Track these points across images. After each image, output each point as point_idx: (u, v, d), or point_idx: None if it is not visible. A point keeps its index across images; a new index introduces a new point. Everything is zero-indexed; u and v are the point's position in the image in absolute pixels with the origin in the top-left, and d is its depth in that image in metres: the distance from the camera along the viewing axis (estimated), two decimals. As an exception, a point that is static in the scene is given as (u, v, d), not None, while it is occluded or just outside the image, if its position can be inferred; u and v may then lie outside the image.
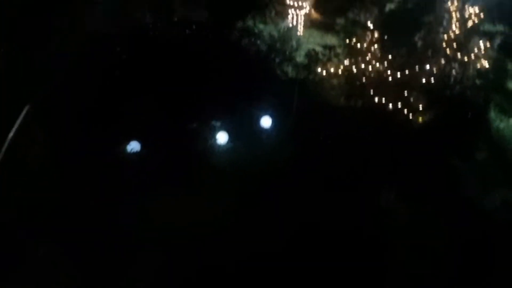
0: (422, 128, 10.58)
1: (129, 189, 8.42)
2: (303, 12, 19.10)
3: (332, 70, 11.57)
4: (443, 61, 12.57)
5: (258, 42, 13.60)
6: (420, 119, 10.57)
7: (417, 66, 11.12)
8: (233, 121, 9.89)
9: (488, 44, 13.03)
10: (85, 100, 9.00)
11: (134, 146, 8.83)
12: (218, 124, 9.76)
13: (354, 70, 10.90)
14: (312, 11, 20.89)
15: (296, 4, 18.88)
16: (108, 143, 8.63)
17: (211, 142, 9.52)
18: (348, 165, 9.38)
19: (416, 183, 9.45)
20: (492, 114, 12.43)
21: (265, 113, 10.23)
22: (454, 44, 13.10)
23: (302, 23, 18.83)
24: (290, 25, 17.90)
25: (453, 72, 12.51)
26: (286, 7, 19.06)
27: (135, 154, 8.83)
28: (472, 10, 13.35)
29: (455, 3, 13.43)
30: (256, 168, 9.50)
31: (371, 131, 9.77)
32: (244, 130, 9.91)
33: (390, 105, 10.51)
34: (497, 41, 13.09)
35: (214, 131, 9.72)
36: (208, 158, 9.42)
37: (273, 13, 16.73)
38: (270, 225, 8.85)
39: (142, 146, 8.98)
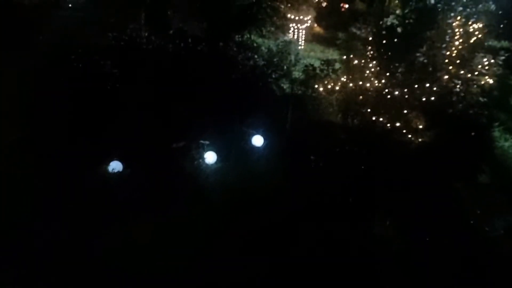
0: (422, 149, 9.83)
1: (109, 213, 7.76)
2: (304, 26, 18.61)
3: (329, 86, 10.87)
4: (445, 78, 11.82)
5: (256, 56, 12.97)
6: (420, 139, 9.81)
7: (417, 83, 10.34)
8: (223, 139, 9.22)
9: (492, 60, 12.22)
10: (64, 115, 8.39)
11: (115, 166, 8.20)
12: (206, 142, 9.08)
13: (352, 86, 10.19)
14: (315, 25, 20.42)
15: (297, 18, 18.39)
16: (87, 163, 7.98)
17: (199, 162, 8.86)
18: (342, 188, 8.63)
19: (414, 207, 8.68)
20: (497, 133, 11.69)
21: (257, 131, 9.54)
22: (457, 60, 12.33)
23: (304, 37, 18.37)
24: (291, 39, 17.45)
25: (456, 89, 11.80)
26: (288, 21, 18.60)
27: (116, 174, 8.17)
28: (476, 26, 12.58)
29: (458, 19, 12.67)
30: (246, 190, 8.81)
31: (367, 151, 9.03)
32: (234, 149, 9.23)
33: (388, 124, 9.79)
34: (502, 57, 12.28)
35: (202, 150, 9.04)
36: (195, 178, 8.74)
37: (273, 27, 16.23)
38: (258, 250, 8.14)
39: (124, 166, 8.33)
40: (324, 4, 22.92)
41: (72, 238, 7.60)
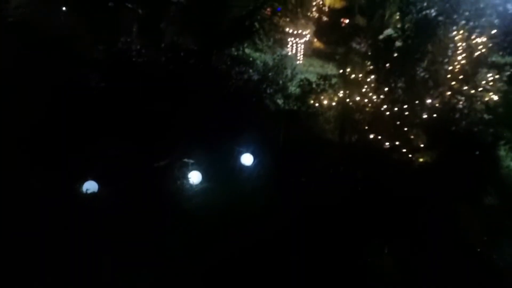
0: (423, 169, 8.96)
1: (83, 238, 6.94)
2: (303, 40, 17.90)
3: (326, 102, 10.07)
4: (447, 94, 11.02)
5: (250, 71, 12.23)
6: (421, 159, 8.95)
7: (418, 99, 9.51)
8: (209, 158, 8.40)
9: (496, 76, 11.41)
10: (38, 130, 7.62)
11: (89, 186, 7.39)
12: (191, 161, 8.27)
13: (349, 102, 9.38)
14: (315, 40, 19.71)
15: (296, 33, 17.69)
16: (59, 183, 7.18)
17: (182, 182, 8.05)
18: (336, 211, 7.77)
19: (414, 234, 7.80)
20: (502, 152, 10.80)
21: (247, 149, 8.71)
22: (460, 76, 11.53)
23: (303, 52, 17.65)
24: (289, 53, 16.74)
25: (459, 105, 10.99)
26: (286, 35, 17.89)
27: (92, 195, 7.37)
28: (479, 40, 11.79)
29: (461, 33, 11.88)
30: (233, 212, 7.98)
31: (364, 171, 8.17)
32: (221, 168, 8.41)
33: (387, 143, 8.94)
34: (506, 73, 11.46)
35: (186, 169, 8.23)
36: (178, 200, 7.92)
37: (270, 41, 15.56)
38: (244, 275, 7.30)
39: (101, 186, 7.52)
40: (324, 19, 22.31)
41: (40, 268, 6.76)
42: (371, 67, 9.93)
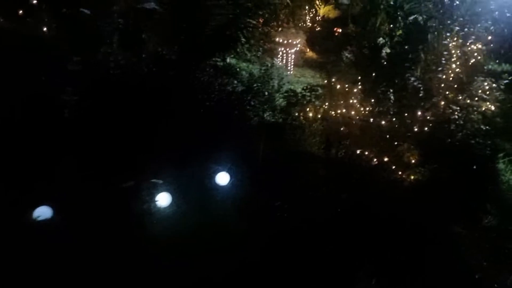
0: (415, 188, 7.90)
1: (34, 271, 5.93)
2: (294, 50, 17.00)
3: (311, 114, 9.07)
4: (441, 104, 10.06)
5: (235, 82, 11.30)
6: (413, 176, 7.91)
7: (409, 111, 8.51)
8: (181, 177, 7.40)
9: (493, 85, 10.43)
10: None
11: (41, 212, 6.39)
12: (160, 182, 7.27)
13: (335, 114, 8.38)
14: (307, 49, 18.82)
15: (287, 42, 16.79)
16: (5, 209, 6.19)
17: (149, 205, 7.04)
18: (318, 237, 6.74)
19: (406, 260, 6.74)
20: (501, 165, 9.79)
21: (223, 167, 7.70)
22: (455, 85, 10.58)
23: (293, 62, 16.75)
24: (279, 63, 15.90)
25: (454, 116, 10.00)
26: (276, 44, 17.00)
27: (44, 223, 6.36)
28: (475, 47, 10.85)
29: (456, 39, 10.95)
30: (204, 239, 6.97)
31: (350, 191, 7.15)
32: (193, 189, 7.40)
33: (375, 159, 7.92)
34: (504, 81, 10.50)
35: (154, 190, 7.23)
36: (144, 225, 6.91)
37: (259, 51, 14.66)
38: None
39: (55, 213, 6.53)
40: (317, 28, 21.50)
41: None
42: (357, 76, 8.92)
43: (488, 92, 10.72)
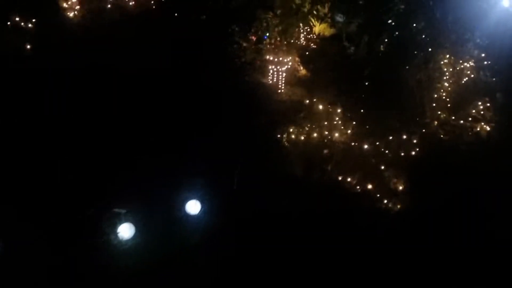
0: (401, 219, 7.07)
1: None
2: (285, 68, 16.31)
3: (293, 136, 8.34)
4: (432, 126, 9.29)
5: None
6: (399, 205, 7.11)
7: (396, 133, 7.74)
8: (146, 206, 6.68)
9: (487, 104, 9.62)
10: None
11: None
12: (122, 211, 6.58)
13: (316, 136, 7.64)
14: (301, 67, 18.10)
15: (277, 60, 16.11)
16: None
17: (109, 237, 6.33)
18: (296, 276, 5.96)
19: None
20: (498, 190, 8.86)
21: (194, 195, 7.00)
22: (447, 104, 9.81)
23: (284, 80, 16.04)
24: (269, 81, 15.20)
25: (446, 137, 9.23)
26: (267, 62, 16.32)
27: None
28: (468, 65, 10.11)
29: (447, 57, 10.23)
30: (171, 275, 6.22)
31: (330, 223, 6.37)
32: (160, 219, 6.69)
33: (358, 186, 7.14)
34: (499, 100, 9.72)
35: (116, 221, 6.51)
36: (104, 260, 6.17)
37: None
38: None
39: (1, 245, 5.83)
40: (312, 46, 20.80)
41: None
42: (339, 95, 8.20)
43: (482, 112, 9.90)
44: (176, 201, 7.21)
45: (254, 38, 15.37)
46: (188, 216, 7.18)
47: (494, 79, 10.27)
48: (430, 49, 10.35)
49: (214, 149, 8.18)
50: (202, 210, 7.20)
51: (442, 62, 10.21)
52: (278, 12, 15.83)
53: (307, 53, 16.90)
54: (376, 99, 8.50)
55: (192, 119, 8.81)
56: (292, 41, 18.37)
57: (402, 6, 10.48)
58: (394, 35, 9.24)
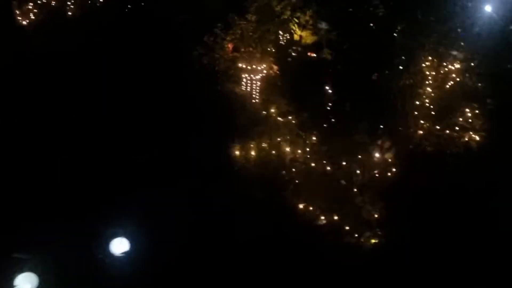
0: (376, 257, 5.48)
1: None
2: (259, 76, 14.86)
3: (252, 152, 6.80)
4: (416, 136, 7.83)
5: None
6: (373, 240, 5.54)
7: (369, 150, 6.20)
8: (58, 248, 5.11)
9: (476, 111, 8.39)
10: None
11: None
12: (24, 257, 4.99)
13: (274, 155, 6.10)
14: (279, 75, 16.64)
15: (251, 68, 14.66)
16: None
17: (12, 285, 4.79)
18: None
19: None
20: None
21: (120, 232, 5.42)
22: (431, 112, 8.53)
23: (259, 90, 14.60)
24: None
25: (430, 150, 7.78)
26: (239, 71, 14.88)
27: None
28: (453, 67, 8.67)
29: (430, 59, 8.81)
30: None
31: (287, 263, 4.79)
32: (76, 263, 5.11)
33: (323, 217, 5.57)
34: (488, 106, 8.22)
35: (16, 270, 4.93)
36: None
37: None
38: None
39: None
40: (292, 54, 19.43)
41: None
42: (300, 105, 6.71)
43: (470, 120, 8.43)
44: (98, 240, 5.63)
45: (230, 46, 14.09)
46: (112, 257, 5.60)
47: (482, 83, 8.81)
48: (410, 51, 8.94)
49: (148, 173, 6.64)
50: (130, 250, 5.64)
51: (424, 65, 8.74)
52: (253, 18, 14.49)
53: (284, 61, 15.56)
54: (348, 108, 7.02)
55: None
56: (269, 48, 16.93)
57: (382, 10, 9.46)
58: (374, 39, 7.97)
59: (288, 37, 18.68)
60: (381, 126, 6.82)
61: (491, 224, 7.13)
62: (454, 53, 8.99)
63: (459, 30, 9.22)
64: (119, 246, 5.72)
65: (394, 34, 9.34)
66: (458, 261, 5.62)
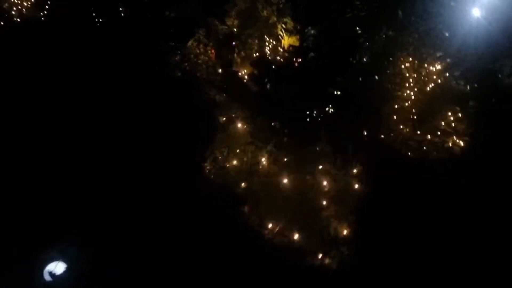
0: (342, 280, 4.73)
1: None
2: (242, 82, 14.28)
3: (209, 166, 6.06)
4: (395, 142, 7.18)
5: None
6: (340, 261, 4.78)
7: (336, 159, 5.47)
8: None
9: (459, 114, 7.73)
10: None
11: None
12: None
13: (229, 167, 5.37)
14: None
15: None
16: None
17: None
18: None
19: None
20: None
21: (58, 255, 4.69)
22: (411, 116, 7.76)
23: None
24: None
25: (410, 157, 7.10)
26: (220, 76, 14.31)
27: None
28: (434, 68, 8.00)
29: (410, 60, 8.17)
30: None
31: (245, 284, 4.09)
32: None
33: (286, 233, 4.83)
34: (471, 109, 7.52)
35: None
36: None
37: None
38: None
39: None
40: (278, 59, 18.82)
41: None
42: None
43: (453, 124, 7.73)
44: (35, 263, 4.92)
45: (212, 51, 13.53)
46: (47, 283, 4.89)
47: (466, 85, 8.13)
48: (388, 51, 8.33)
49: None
50: (68, 273, 4.92)
51: (403, 66, 8.06)
52: (235, 23, 13.90)
53: (265, 66, 14.95)
54: (318, 113, 6.32)
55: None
56: (253, 54, 16.32)
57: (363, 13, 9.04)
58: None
59: (274, 42, 18.02)
60: (353, 133, 6.05)
61: (478, 238, 6.45)
62: (436, 53, 8.38)
63: (441, 28, 8.62)
64: (56, 269, 5.01)
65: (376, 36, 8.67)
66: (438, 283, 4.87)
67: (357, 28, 9.36)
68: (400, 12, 8.91)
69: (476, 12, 8.43)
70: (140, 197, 5.43)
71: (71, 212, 5.12)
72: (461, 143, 7.88)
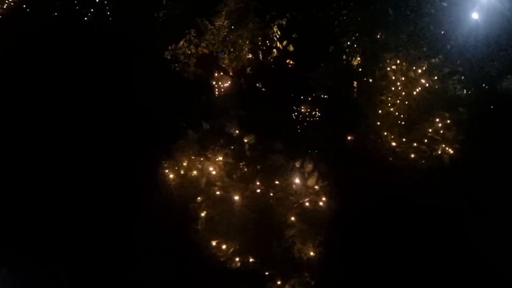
0: None
1: None
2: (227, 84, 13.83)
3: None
4: (377, 151, 6.64)
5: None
6: None
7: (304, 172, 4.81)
8: None
9: (448, 121, 7.09)
10: None
11: None
12: None
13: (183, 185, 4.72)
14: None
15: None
16: None
17: None
18: None
19: None
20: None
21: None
22: (398, 122, 7.26)
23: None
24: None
25: (396, 166, 6.53)
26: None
27: None
28: (421, 70, 7.44)
29: (398, 63, 7.62)
30: None
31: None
32: None
33: (237, 258, 4.16)
34: (463, 115, 7.16)
35: None
36: None
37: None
38: None
39: None
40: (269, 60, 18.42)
41: None
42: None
43: (442, 131, 7.13)
44: None
45: (206, 51, 13.13)
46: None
47: (456, 89, 7.56)
48: (376, 53, 7.77)
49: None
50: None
51: (389, 69, 7.44)
52: (226, 23, 13.40)
53: (256, 67, 14.53)
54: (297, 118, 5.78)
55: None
56: (243, 56, 15.89)
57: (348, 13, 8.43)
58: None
59: (265, 44, 17.46)
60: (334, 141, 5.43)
61: (468, 253, 5.86)
62: (425, 55, 7.80)
63: (431, 29, 8.04)
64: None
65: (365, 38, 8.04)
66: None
67: (346, 29, 8.89)
68: (389, 12, 8.40)
69: (468, 14, 7.90)
70: (79, 214, 4.86)
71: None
72: (451, 151, 7.30)
